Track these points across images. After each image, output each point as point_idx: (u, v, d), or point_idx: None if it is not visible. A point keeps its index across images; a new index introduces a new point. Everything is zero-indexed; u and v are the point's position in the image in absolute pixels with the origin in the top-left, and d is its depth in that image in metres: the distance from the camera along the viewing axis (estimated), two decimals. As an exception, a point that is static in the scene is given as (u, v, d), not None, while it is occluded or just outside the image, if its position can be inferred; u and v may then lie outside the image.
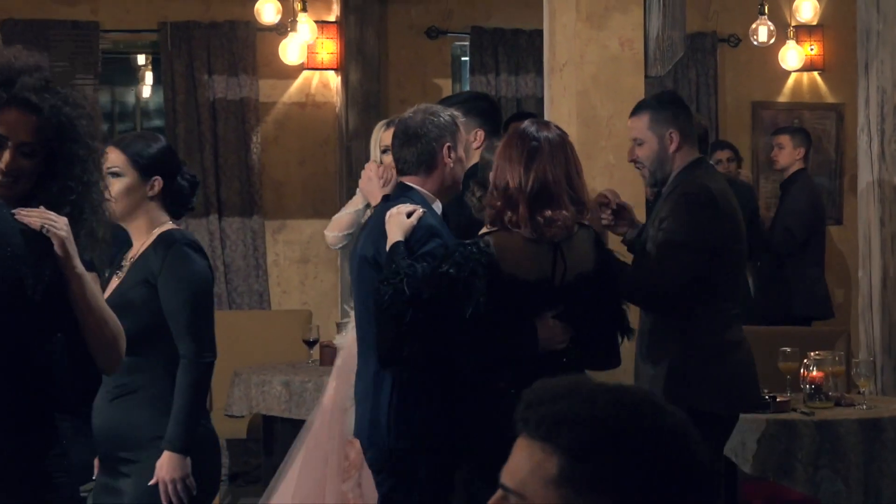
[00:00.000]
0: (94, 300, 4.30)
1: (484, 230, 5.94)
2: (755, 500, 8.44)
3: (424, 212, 6.08)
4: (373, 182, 6.73)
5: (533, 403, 2.65)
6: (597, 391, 2.67)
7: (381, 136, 7.33)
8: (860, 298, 8.05)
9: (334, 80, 12.22)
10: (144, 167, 5.56)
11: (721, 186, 6.69)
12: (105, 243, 4.54)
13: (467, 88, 12.30)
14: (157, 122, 12.46)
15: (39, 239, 4.18)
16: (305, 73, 12.17)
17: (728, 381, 6.55)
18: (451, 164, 6.30)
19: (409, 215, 5.98)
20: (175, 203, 5.70)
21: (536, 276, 5.87)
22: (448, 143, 6.26)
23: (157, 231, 5.56)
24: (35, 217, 4.22)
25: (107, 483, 5.55)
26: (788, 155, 10.82)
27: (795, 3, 11.67)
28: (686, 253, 6.43)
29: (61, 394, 4.29)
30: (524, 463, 2.63)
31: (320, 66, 12.20)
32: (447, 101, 7.40)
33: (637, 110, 6.90)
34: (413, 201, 6.12)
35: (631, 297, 6.38)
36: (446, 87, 12.37)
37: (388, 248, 5.91)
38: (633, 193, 8.08)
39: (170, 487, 5.37)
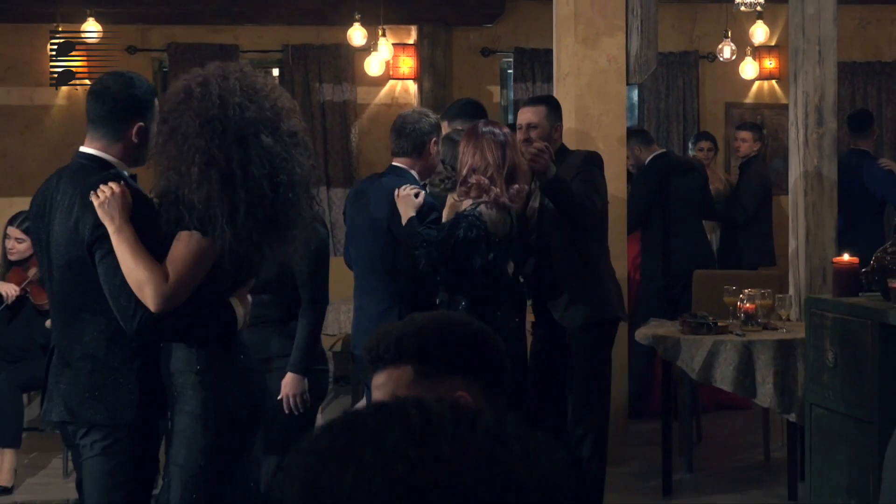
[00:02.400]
0: (120, 255, 4.00)
1: (468, 203, 5.95)
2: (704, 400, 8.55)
3: (425, 191, 6.24)
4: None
5: (374, 347, 2.70)
6: (412, 319, 2.77)
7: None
8: (789, 249, 8.05)
9: (412, 87, 12.20)
10: None
11: None
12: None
13: (511, 95, 12.34)
14: None
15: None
16: (391, 82, 12.17)
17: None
18: (433, 154, 6.42)
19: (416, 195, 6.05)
20: None
21: (503, 234, 5.98)
22: (434, 139, 6.39)
23: None
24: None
25: None
26: (748, 147, 10.78)
27: (751, 30, 11.59)
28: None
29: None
30: (390, 385, 2.65)
31: (402, 77, 12.18)
32: (450, 109, 7.50)
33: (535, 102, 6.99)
34: (406, 180, 6.25)
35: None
36: (496, 92, 12.32)
37: (404, 223, 5.96)
38: (616, 171, 8.15)
39: (291, 401, 5.41)
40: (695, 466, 8.04)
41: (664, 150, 10.33)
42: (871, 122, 10.51)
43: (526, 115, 6.68)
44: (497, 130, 6.07)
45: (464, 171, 5.93)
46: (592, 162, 6.66)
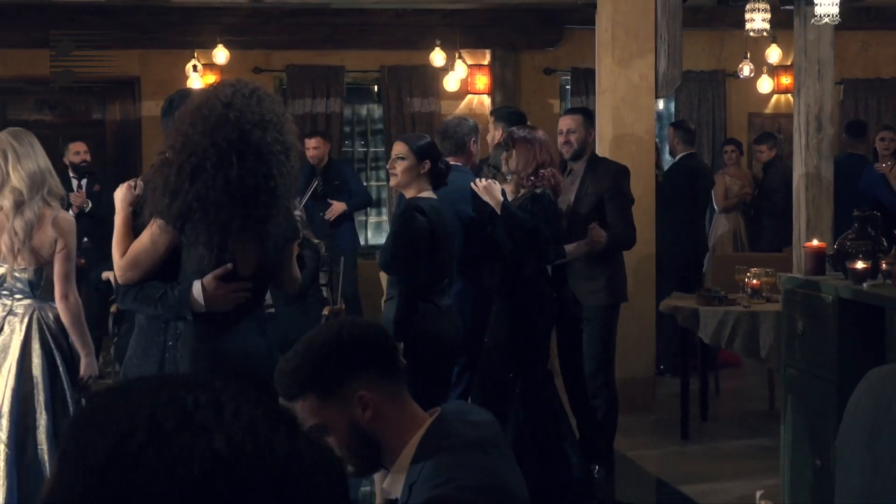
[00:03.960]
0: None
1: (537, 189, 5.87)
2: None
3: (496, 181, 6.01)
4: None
5: (278, 388, 2.63)
6: (295, 351, 2.64)
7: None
8: (793, 236, 7.98)
9: (486, 100, 12.19)
10: (419, 153, 5.25)
11: None
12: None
13: (569, 107, 12.30)
14: (378, 126, 12.49)
15: None
16: (469, 96, 12.20)
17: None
18: (473, 153, 6.43)
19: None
20: (436, 178, 5.32)
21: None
22: (473, 139, 6.40)
23: (420, 195, 5.22)
24: None
25: None
26: (766, 155, 10.78)
27: (767, 52, 11.49)
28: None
29: None
30: (303, 415, 2.57)
31: (477, 92, 12.21)
32: (495, 112, 7.50)
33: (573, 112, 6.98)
34: (465, 173, 6.23)
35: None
36: (556, 104, 12.30)
37: (499, 210, 5.67)
38: (646, 170, 8.13)
39: None
40: (709, 416, 8.03)
41: (694, 150, 10.26)
42: (866, 130, 10.39)
43: (567, 122, 6.72)
44: (542, 135, 6.10)
45: (532, 166, 5.86)
46: (622, 178, 6.66)
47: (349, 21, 11.75)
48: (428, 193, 5.26)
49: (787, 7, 8.07)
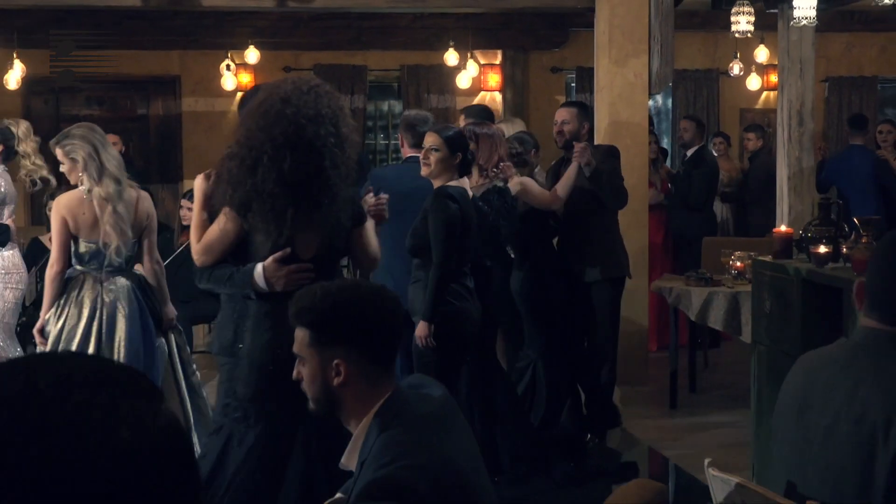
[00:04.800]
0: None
1: (499, 183, 5.77)
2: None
3: None
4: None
5: (290, 308, 2.64)
6: (317, 290, 2.64)
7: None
8: (776, 221, 7.91)
9: (498, 97, 12.15)
10: (451, 145, 5.03)
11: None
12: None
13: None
14: (398, 121, 12.35)
15: None
16: (482, 93, 12.11)
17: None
18: None
19: None
20: (464, 168, 5.12)
21: None
22: None
23: (448, 184, 5.06)
24: None
25: None
26: (754, 143, 10.63)
27: (755, 52, 11.37)
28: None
29: None
30: (296, 341, 2.62)
31: (489, 89, 12.13)
32: (466, 109, 7.25)
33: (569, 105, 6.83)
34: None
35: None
36: (562, 100, 12.03)
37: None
38: (640, 161, 8.05)
39: (419, 342, 4.88)
40: (697, 388, 7.95)
41: (704, 143, 10.14)
42: (867, 123, 10.28)
43: (562, 114, 6.62)
44: (499, 131, 6.03)
45: (494, 159, 5.74)
46: (614, 156, 6.59)
47: (372, 24, 11.72)
48: (456, 182, 5.09)
49: (772, 10, 7.99)
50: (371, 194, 4.20)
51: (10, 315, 6.65)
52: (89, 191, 5.30)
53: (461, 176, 5.12)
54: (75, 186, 5.41)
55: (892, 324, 2.47)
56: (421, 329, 4.92)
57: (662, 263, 9.15)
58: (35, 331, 5.58)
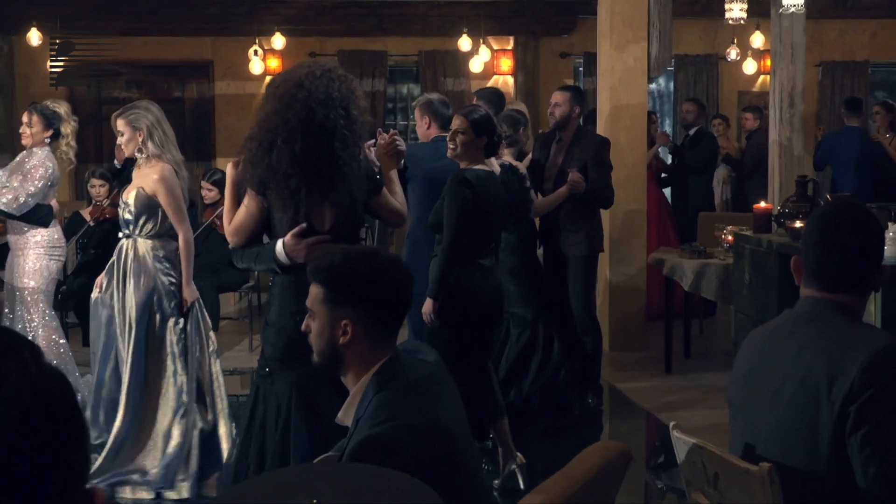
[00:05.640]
0: None
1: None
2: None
3: None
4: None
5: (309, 264, 2.63)
6: (336, 250, 2.60)
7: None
8: (768, 197, 7.83)
9: (510, 80, 12.07)
10: (477, 128, 4.86)
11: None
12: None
13: (581, 86, 12.08)
14: None
15: None
16: (494, 77, 12.03)
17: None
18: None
19: None
20: (490, 150, 4.93)
21: None
22: None
23: (472, 166, 4.89)
24: None
25: None
26: (751, 123, 10.49)
27: (751, 38, 11.24)
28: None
29: None
30: (310, 295, 2.59)
31: (502, 73, 12.06)
32: (478, 92, 7.25)
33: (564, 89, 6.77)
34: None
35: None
36: (570, 83, 12.09)
37: None
38: (639, 140, 7.99)
39: (425, 317, 4.82)
40: (692, 353, 7.92)
41: (705, 124, 10.06)
42: (862, 106, 10.14)
43: (556, 97, 6.61)
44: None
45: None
46: (604, 148, 6.55)
47: (392, 12, 11.67)
48: (481, 165, 4.90)
49: (765, -2, 7.90)
50: (383, 135, 4.09)
51: (52, 284, 6.68)
52: (148, 157, 5.16)
53: (488, 157, 4.95)
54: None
55: (829, 290, 2.50)
56: (425, 305, 4.83)
57: (660, 237, 9.10)
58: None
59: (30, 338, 6.42)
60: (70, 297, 8.05)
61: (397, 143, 4.05)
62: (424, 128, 5.71)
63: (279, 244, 3.72)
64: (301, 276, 3.42)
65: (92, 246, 8.10)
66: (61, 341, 6.35)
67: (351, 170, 3.72)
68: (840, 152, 9.55)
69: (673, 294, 7.55)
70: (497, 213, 4.99)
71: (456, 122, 4.90)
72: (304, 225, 3.70)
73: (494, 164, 5.09)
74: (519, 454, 5.10)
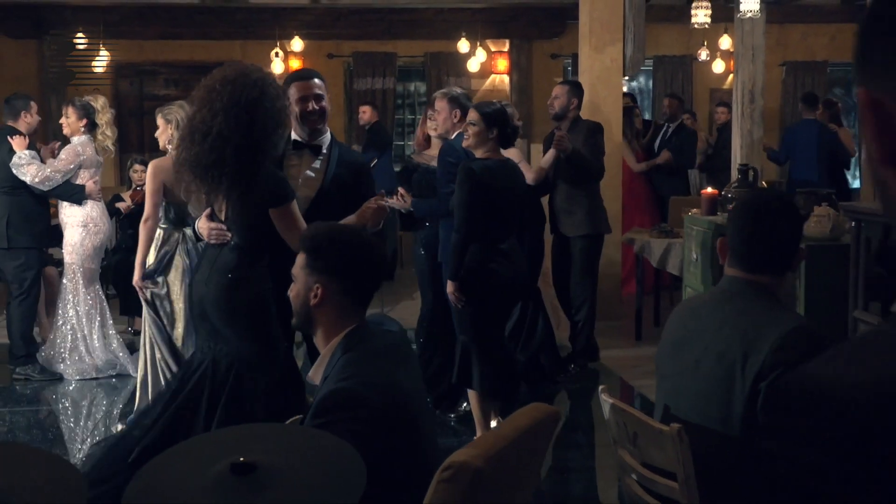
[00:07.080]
0: None
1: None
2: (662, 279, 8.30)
3: None
4: None
5: (303, 234, 2.63)
6: (321, 224, 2.62)
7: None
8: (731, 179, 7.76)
9: (506, 79, 11.98)
10: (488, 121, 4.68)
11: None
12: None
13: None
14: (423, 100, 12.21)
15: None
16: (492, 76, 11.96)
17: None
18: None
19: None
20: (503, 141, 4.73)
21: None
22: None
23: (484, 156, 4.70)
24: None
25: None
26: (723, 116, 10.39)
27: (719, 40, 11.12)
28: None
29: None
30: (296, 261, 2.60)
31: (499, 73, 11.96)
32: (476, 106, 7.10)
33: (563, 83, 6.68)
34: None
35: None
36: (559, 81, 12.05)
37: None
38: (615, 131, 7.92)
39: (450, 297, 4.69)
40: (661, 322, 7.88)
41: (682, 121, 9.98)
42: (817, 101, 10.03)
43: (555, 91, 6.58)
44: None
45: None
46: (597, 131, 6.48)
47: (401, 17, 11.60)
48: (493, 155, 4.72)
49: (730, 4, 7.80)
50: (377, 196, 4.03)
51: (90, 260, 6.69)
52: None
53: (503, 148, 4.78)
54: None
55: (750, 271, 2.45)
56: (448, 286, 4.73)
57: (642, 220, 9.04)
58: (137, 280, 5.32)
59: (69, 307, 6.50)
60: (109, 270, 8.07)
61: (383, 207, 3.99)
62: (454, 120, 5.53)
63: (197, 222, 3.90)
64: (210, 247, 3.78)
65: (129, 226, 8.10)
66: (98, 316, 6.45)
67: (242, 174, 3.60)
68: (798, 143, 9.47)
69: (644, 270, 7.51)
70: (510, 199, 4.80)
71: (470, 115, 4.80)
72: (208, 210, 3.79)
73: (514, 154, 4.95)
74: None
